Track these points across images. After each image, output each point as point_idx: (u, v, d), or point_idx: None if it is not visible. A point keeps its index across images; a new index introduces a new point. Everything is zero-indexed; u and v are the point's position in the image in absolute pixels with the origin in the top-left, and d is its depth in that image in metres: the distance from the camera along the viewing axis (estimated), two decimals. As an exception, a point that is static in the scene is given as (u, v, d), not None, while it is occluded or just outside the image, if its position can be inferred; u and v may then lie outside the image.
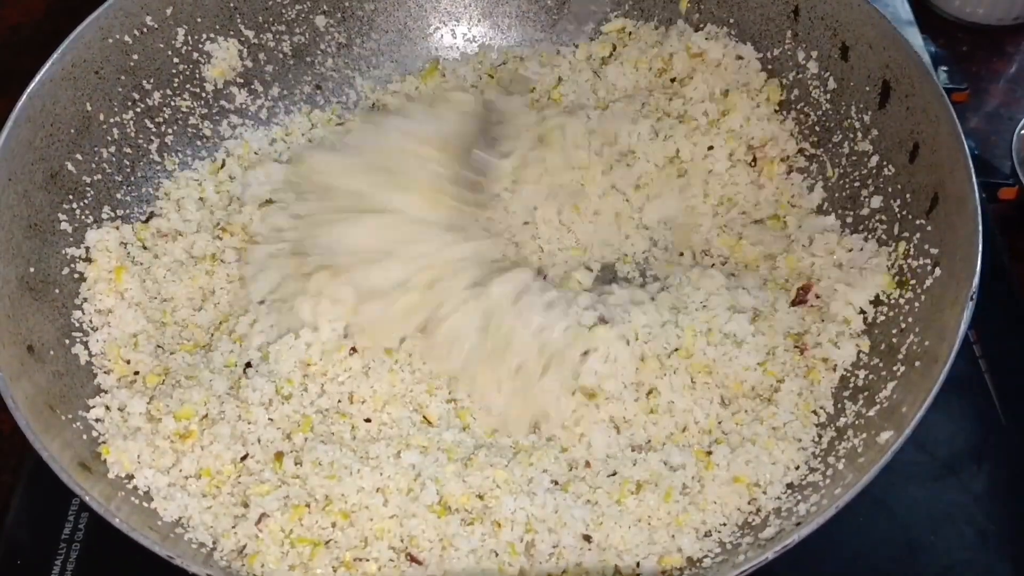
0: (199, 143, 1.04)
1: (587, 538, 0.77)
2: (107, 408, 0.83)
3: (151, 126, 0.99)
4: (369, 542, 0.77)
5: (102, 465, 0.79)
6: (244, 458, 0.82)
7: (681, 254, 0.98)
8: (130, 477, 0.79)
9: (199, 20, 1.00)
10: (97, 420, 0.82)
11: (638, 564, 0.76)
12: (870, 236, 0.91)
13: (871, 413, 0.80)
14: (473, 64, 1.12)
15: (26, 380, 0.77)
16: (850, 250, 0.91)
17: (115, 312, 0.90)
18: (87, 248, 0.91)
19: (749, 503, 0.79)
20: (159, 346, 0.90)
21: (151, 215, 0.98)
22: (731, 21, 1.04)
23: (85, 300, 0.89)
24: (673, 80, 1.05)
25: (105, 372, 0.87)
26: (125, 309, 0.90)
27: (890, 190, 0.91)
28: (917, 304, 0.83)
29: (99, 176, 0.94)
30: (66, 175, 0.90)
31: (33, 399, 0.76)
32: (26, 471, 0.93)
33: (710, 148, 1.00)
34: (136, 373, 0.88)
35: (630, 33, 1.08)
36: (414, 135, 0.95)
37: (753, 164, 1.00)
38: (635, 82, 1.05)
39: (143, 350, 0.89)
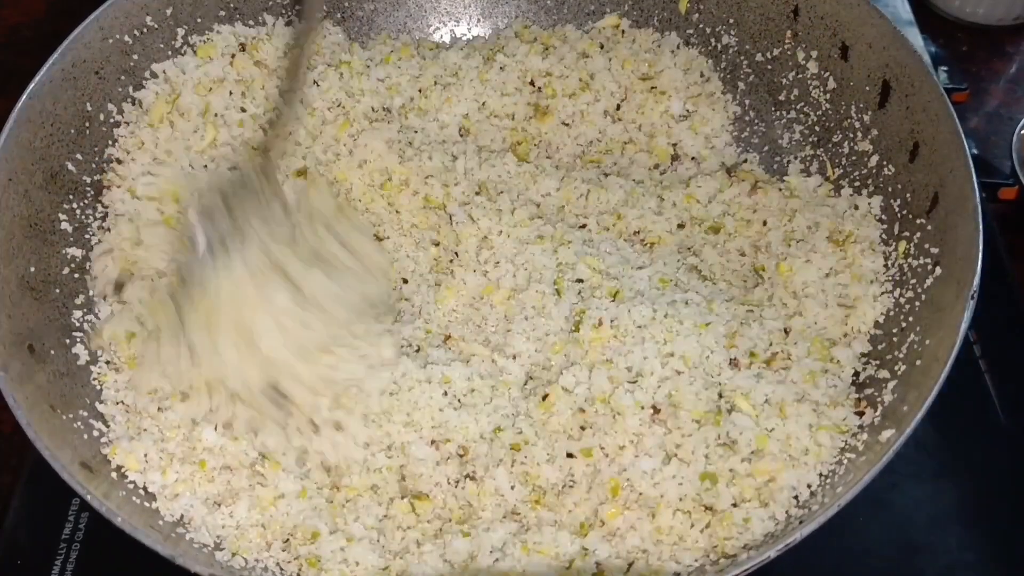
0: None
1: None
2: (120, 403, 0.84)
3: (151, 126, 0.99)
4: None
5: (104, 465, 0.79)
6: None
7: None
8: (133, 477, 0.79)
9: (199, 20, 1.00)
10: (105, 420, 0.82)
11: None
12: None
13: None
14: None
15: (27, 380, 0.77)
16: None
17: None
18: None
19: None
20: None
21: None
22: (731, 21, 1.04)
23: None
24: (653, 88, 1.05)
25: (101, 383, 0.86)
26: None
27: (890, 190, 0.91)
28: (917, 304, 0.83)
29: (99, 176, 0.94)
30: (66, 175, 0.90)
31: (34, 399, 0.76)
32: (26, 471, 0.93)
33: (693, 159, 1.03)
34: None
35: (623, 32, 1.08)
36: None
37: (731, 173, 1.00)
38: (617, 82, 1.05)
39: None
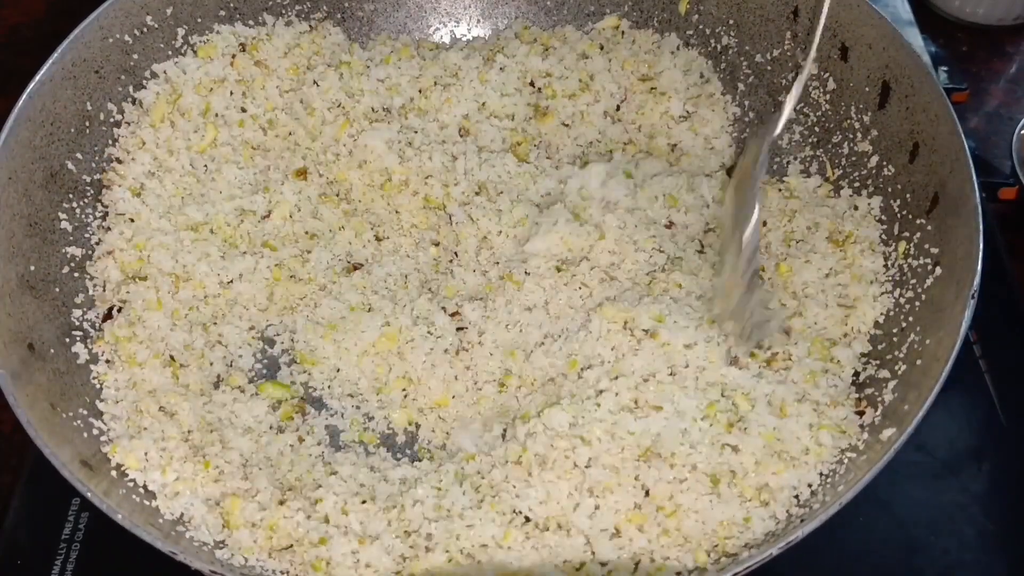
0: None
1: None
2: (120, 402, 0.84)
3: (151, 125, 0.99)
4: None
5: (104, 463, 0.79)
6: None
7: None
8: (133, 475, 0.79)
9: (199, 20, 1.00)
10: (105, 419, 0.82)
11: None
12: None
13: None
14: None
15: (27, 378, 0.77)
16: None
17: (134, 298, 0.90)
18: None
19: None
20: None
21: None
22: (731, 22, 1.04)
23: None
24: (653, 89, 1.05)
25: (101, 381, 0.86)
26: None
27: (890, 190, 0.91)
28: (917, 304, 0.83)
29: (99, 175, 0.94)
30: (66, 174, 0.90)
31: (34, 397, 0.76)
32: (26, 471, 0.93)
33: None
34: (172, 358, 0.88)
35: (623, 33, 1.08)
36: None
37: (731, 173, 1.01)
38: (617, 83, 1.05)
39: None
